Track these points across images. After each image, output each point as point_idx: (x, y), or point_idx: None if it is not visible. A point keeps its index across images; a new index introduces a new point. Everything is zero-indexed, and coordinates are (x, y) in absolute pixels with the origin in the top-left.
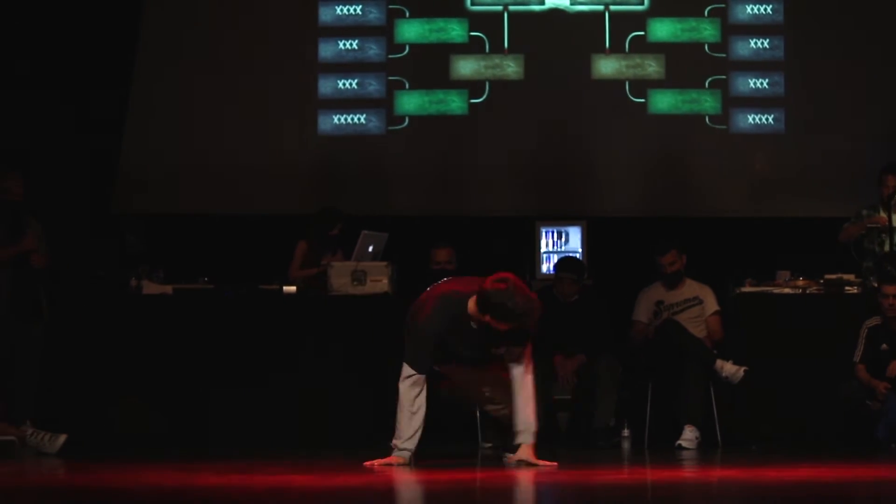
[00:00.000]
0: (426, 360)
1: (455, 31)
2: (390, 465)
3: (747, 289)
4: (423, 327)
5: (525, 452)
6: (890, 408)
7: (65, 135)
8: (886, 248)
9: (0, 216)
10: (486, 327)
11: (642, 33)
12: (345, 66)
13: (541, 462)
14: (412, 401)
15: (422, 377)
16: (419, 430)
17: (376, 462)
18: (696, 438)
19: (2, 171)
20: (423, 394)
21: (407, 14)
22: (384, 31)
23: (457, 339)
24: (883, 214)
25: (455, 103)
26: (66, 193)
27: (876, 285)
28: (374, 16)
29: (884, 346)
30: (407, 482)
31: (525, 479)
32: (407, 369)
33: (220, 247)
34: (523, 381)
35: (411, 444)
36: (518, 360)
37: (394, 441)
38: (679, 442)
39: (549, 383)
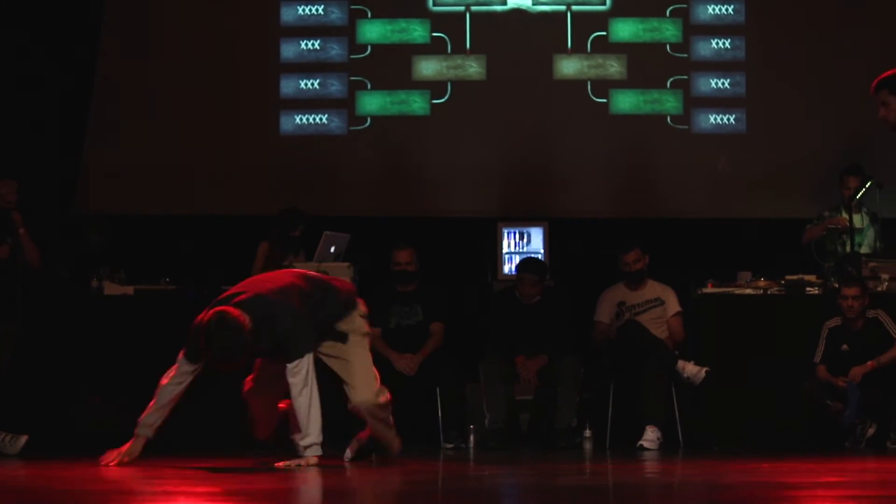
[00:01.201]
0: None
1: (417, 31)
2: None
3: (709, 290)
4: None
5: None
6: (851, 396)
7: (27, 133)
8: (847, 249)
9: None
10: None
11: (604, 33)
12: (306, 67)
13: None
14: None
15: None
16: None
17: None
18: (658, 439)
19: None
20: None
21: (369, 14)
22: (346, 32)
23: None
24: (844, 216)
25: (417, 104)
26: (29, 192)
27: (836, 286)
28: (336, 16)
29: (844, 346)
30: (373, 483)
31: (488, 481)
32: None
33: (181, 247)
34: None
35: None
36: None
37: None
38: (641, 442)
39: (511, 384)
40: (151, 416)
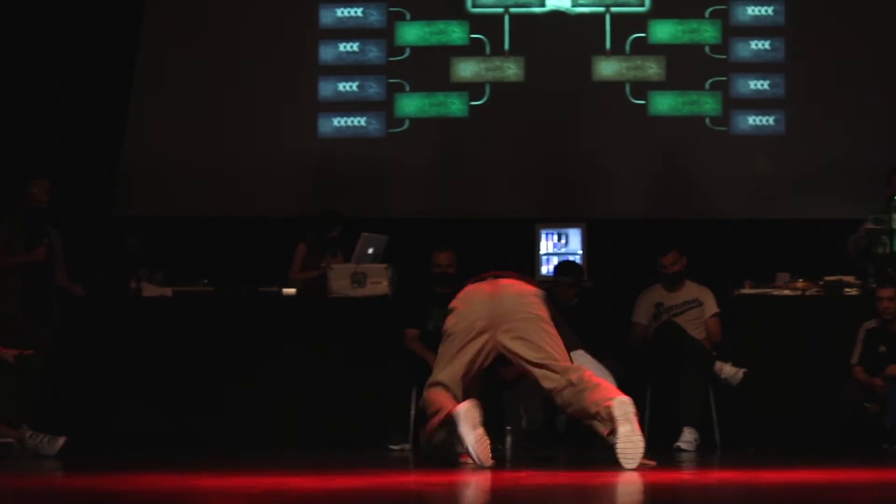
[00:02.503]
0: None
1: (455, 33)
2: None
3: (747, 291)
4: None
5: None
6: (892, 398)
7: (66, 136)
8: (889, 249)
9: (24, 222)
10: None
11: (643, 35)
12: (345, 69)
13: None
14: None
15: None
16: None
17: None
18: (695, 440)
19: (30, 177)
20: None
21: (408, 16)
22: (384, 34)
23: None
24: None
25: (455, 106)
26: (67, 195)
27: (874, 287)
28: (375, 18)
29: (881, 348)
30: (402, 484)
31: (525, 481)
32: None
33: (220, 249)
34: None
35: None
36: None
37: None
38: (678, 444)
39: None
40: None
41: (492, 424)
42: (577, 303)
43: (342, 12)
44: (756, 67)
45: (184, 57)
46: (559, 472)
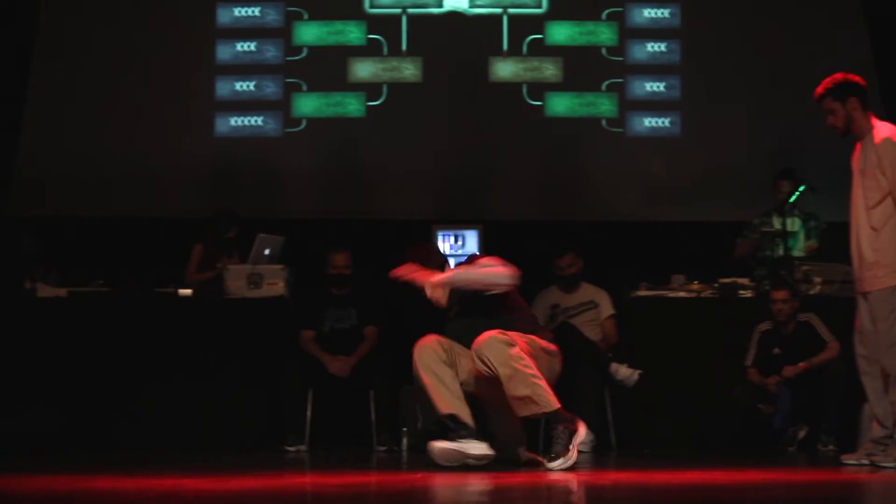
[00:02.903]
0: None
1: (353, 33)
2: None
3: (642, 292)
4: None
5: None
6: (783, 398)
7: None
8: (780, 253)
9: None
10: None
11: (540, 36)
12: (242, 68)
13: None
14: None
15: None
16: None
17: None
18: (591, 441)
19: None
20: None
21: (305, 16)
22: (282, 34)
23: None
24: (776, 220)
25: (352, 106)
26: None
27: (768, 289)
28: (273, 18)
29: (775, 349)
30: (298, 486)
31: (421, 482)
32: None
33: (116, 249)
34: None
35: None
36: None
37: None
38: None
39: None
40: None
41: (388, 425)
42: None
43: (240, 11)
44: (652, 69)
45: (80, 56)
46: (454, 473)
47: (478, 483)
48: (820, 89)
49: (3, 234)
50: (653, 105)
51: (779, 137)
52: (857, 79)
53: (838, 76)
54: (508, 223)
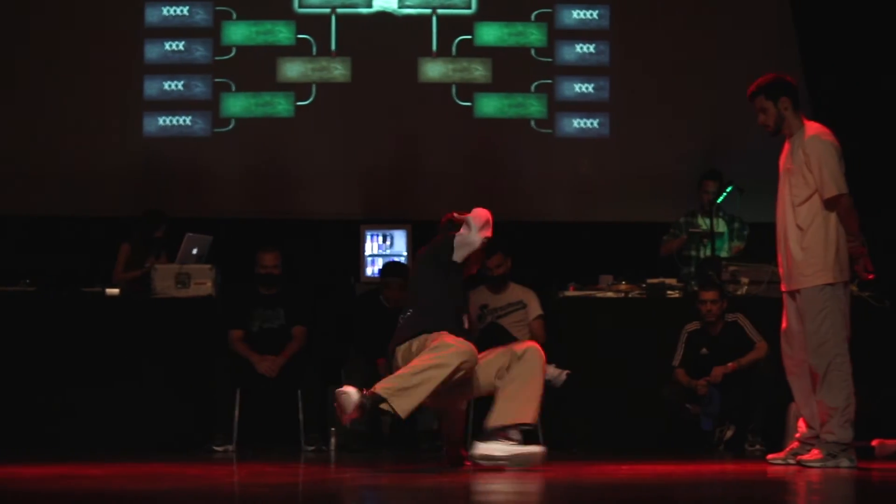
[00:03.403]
0: None
1: (282, 33)
2: None
3: (570, 293)
4: None
5: None
6: (711, 399)
7: None
8: (706, 253)
9: None
10: None
11: (469, 37)
12: (171, 68)
13: None
14: None
15: None
16: None
17: None
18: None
19: None
20: None
21: (234, 16)
22: (211, 33)
23: None
24: (701, 220)
25: (281, 106)
26: None
27: (696, 290)
28: (201, 17)
29: (703, 350)
30: (227, 486)
31: (349, 482)
32: None
33: (42, 249)
34: None
35: None
36: None
37: None
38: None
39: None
40: None
41: (316, 425)
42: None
43: (168, 11)
44: (581, 71)
45: (7, 55)
46: (383, 474)
47: (401, 482)
48: (752, 87)
49: None
50: (581, 106)
51: (705, 138)
52: (789, 79)
53: (771, 76)
54: (437, 223)
